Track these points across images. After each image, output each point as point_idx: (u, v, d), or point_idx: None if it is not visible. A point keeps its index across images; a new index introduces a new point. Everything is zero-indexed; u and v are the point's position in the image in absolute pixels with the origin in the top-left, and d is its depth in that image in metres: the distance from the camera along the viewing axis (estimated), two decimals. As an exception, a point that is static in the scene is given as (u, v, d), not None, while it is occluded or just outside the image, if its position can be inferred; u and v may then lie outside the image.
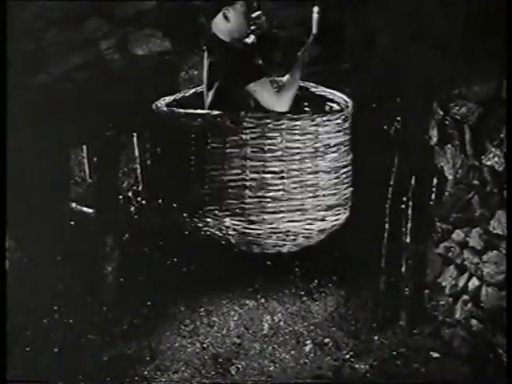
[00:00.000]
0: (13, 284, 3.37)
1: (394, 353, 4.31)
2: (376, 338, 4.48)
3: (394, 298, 4.59)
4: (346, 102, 2.83)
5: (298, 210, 2.61)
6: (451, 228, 4.23)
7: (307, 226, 2.64)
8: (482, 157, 3.87)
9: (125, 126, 4.96)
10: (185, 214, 2.71)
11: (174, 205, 2.76)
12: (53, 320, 4.60)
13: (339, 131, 2.66)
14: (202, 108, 2.88)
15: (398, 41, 3.96)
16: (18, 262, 4.30)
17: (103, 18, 4.15)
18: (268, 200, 2.57)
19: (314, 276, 5.04)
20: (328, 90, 3.03)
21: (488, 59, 3.60)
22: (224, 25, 2.68)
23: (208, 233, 2.68)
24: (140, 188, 5.36)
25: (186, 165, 2.65)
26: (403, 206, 4.46)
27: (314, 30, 2.81)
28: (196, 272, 4.98)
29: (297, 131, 2.53)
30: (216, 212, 2.61)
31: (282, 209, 2.59)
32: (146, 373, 4.21)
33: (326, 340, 4.51)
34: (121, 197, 5.36)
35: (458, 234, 4.18)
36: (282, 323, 4.72)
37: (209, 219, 2.63)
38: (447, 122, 4.12)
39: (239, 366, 4.29)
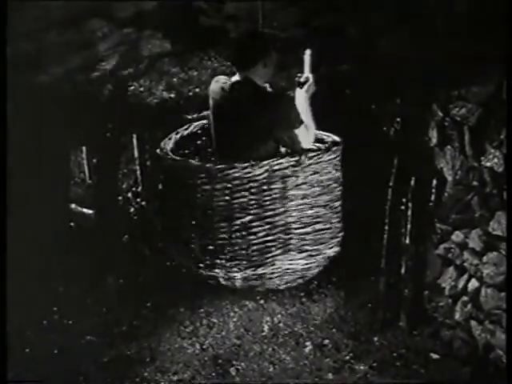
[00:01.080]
0: (13, 284, 3.36)
1: (394, 354, 4.31)
2: (376, 339, 4.48)
3: (394, 299, 4.59)
4: (332, 137, 2.95)
5: (336, 236, 2.76)
6: (451, 229, 4.23)
7: (336, 249, 2.79)
8: (482, 158, 3.87)
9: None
10: (238, 267, 2.66)
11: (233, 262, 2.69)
12: (53, 321, 4.61)
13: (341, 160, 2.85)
14: (206, 146, 2.93)
15: (397, 41, 3.96)
16: (18, 263, 4.30)
17: (103, 19, 4.15)
18: (321, 232, 2.68)
19: (313, 277, 5.03)
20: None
21: (488, 60, 3.60)
22: (263, 72, 2.71)
23: (266, 279, 2.69)
24: (139, 189, 5.36)
25: (246, 216, 2.59)
26: (403, 207, 4.46)
27: (307, 73, 2.80)
28: (196, 273, 4.97)
29: (329, 163, 2.67)
30: (279, 257, 2.63)
31: (327, 237, 2.71)
32: (146, 374, 4.20)
33: (326, 341, 4.51)
34: (120, 198, 5.38)
35: (457, 235, 4.19)
36: (281, 324, 4.72)
37: (272, 266, 2.63)
38: (447, 123, 4.12)
39: (239, 368, 4.28)
